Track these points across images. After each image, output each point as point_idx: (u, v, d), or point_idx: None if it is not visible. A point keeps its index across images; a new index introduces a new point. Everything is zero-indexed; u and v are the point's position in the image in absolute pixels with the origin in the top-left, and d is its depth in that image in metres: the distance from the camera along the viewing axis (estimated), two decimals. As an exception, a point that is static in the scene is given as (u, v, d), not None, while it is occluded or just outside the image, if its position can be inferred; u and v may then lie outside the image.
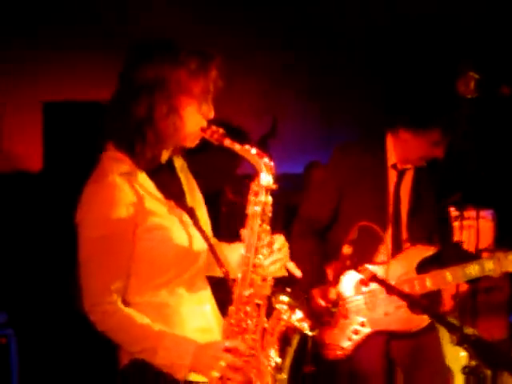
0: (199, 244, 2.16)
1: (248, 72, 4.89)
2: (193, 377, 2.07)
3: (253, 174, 2.07)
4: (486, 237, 5.50)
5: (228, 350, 2.01)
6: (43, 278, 4.23)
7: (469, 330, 1.83)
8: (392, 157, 3.11)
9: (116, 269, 2.05)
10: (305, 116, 5.08)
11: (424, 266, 3.01)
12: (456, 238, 4.70)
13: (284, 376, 2.10)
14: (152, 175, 2.09)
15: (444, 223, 3.35)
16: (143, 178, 2.08)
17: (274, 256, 2.11)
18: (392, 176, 3.12)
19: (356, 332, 2.85)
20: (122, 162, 2.05)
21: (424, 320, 2.94)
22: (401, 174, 3.11)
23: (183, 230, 2.11)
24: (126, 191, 2.02)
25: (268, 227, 2.07)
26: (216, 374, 2.00)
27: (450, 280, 2.94)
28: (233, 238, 2.25)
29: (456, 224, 4.67)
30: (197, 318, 2.16)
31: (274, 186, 2.04)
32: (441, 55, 4.29)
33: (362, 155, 3.07)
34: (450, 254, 3.00)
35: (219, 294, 2.23)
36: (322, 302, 2.18)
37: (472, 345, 1.77)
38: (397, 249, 3.06)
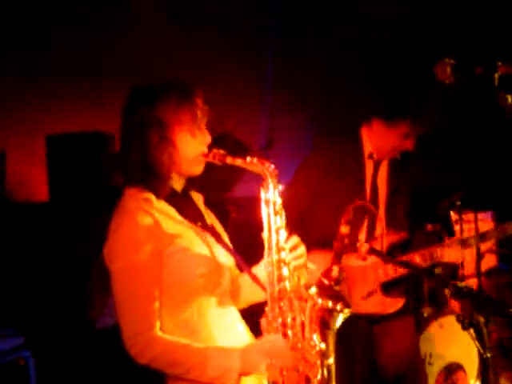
0: (225, 259, 2.30)
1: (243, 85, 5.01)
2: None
3: (254, 197, 2.25)
4: (488, 238, 5.59)
5: (273, 344, 2.12)
6: (57, 300, 4.33)
7: (461, 284, 1.94)
8: (368, 147, 3.25)
9: (150, 295, 2.14)
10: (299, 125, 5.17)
11: (393, 251, 3.15)
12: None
13: (331, 361, 2.19)
14: (171, 202, 2.26)
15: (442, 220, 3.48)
16: (162, 205, 2.24)
17: (296, 252, 2.24)
18: (369, 166, 3.26)
19: None
20: (139, 194, 2.22)
21: (398, 302, 3.08)
22: (377, 165, 3.25)
23: (207, 249, 2.25)
24: (145, 217, 2.16)
25: (284, 224, 2.21)
26: (265, 369, 2.09)
27: (419, 261, 3.07)
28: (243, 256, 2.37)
29: (457, 228, 4.83)
30: (230, 337, 2.25)
31: (281, 187, 2.21)
32: (413, 47, 4.42)
33: (339, 146, 3.20)
34: (418, 241, 3.12)
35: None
36: (325, 281, 2.30)
37: (466, 296, 1.89)
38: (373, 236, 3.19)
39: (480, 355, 4.33)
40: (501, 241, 5.63)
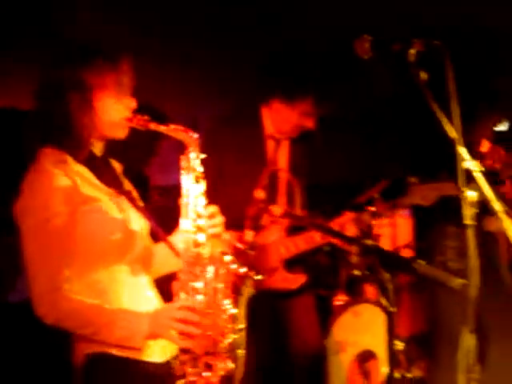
0: (138, 225, 2.29)
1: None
2: (151, 357, 2.19)
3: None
4: (406, 233, 5.74)
5: (182, 309, 2.12)
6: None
7: (368, 241, 2.00)
8: (269, 127, 3.29)
9: (60, 254, 2.12)
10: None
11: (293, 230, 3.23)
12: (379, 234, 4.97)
13: (242, 325, 2.21)
14: (88, 166, 2.24)
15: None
16: (79, 167, 2.22)
17: (213, 220, 2.26)
18: (270, 146, 3.30)
19: None
20: (56, 154, 2.19)
21: (300, 279, 3.16)
22: (277, 144, 3.30)
23: (122, 214, 2.24)
24: (62, 178, 2.14)
25: (203, 193, 2.23)
26: (174, 333, 2.09)
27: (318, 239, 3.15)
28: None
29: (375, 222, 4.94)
30: (140, 303, 2.23)
31: (204, 155, 2.23)
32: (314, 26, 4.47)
33: (239, 127, 3.21)
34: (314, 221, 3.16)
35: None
36: (239, 245, 2.33)
37: (373, 252, 1.95)
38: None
39: (390, 344, 4.45)
40: (418, 235, 5.80)
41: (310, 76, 3.18)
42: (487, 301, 3.62)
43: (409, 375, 4.88)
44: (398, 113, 3.92)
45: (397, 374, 4.54)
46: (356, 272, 4.55)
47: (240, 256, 2.15)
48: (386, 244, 5.06)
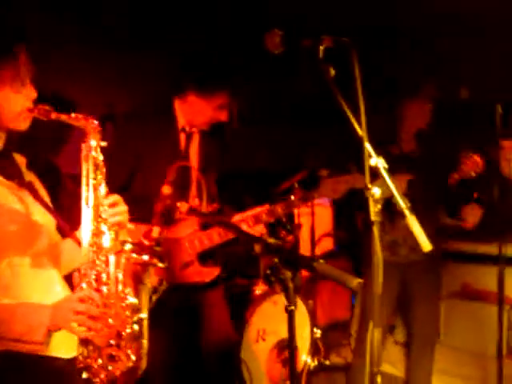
0: (42, 218, 2.23)
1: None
2: (57, 352, 2.14)
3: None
4: (326, 222, 5.83)
5: (82, 300, 2.08)
6: None
7: (270, 239, 2.01)
8: (181, 120, 3.27)
9: None
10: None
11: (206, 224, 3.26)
12: (296, 223, 5.03)
13: (144, 315, 2.19)
14: None
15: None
16: None
17: (115, 209, 2.22)
18: (182, 139, 3.29)
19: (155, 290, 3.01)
20: None
21: (214, 271, 3.18)
22: (188, 137, 3.29)
23: (22, 206, 2.18)
24: None
25: (103, 181, 2.20)
26: (75, 325, 2.05)
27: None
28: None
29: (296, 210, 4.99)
30: (47, 297, 2.18)
31: (104, 144, 2.20)
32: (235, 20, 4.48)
33: (152, 121, 3.17)
34: (227, 214, 3.19)
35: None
36: (146, 241, 2.31)
37: (275, 251, 1.97)
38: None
39: (312, 332, 4.52)
40: (338, 224, 5.91)
41: (226, 69, 3.17)
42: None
43: (327, 362, 5.00)
44: (321, 107, 3.95)
45: (315, 362, 4.65)
46: (275, 261, 4.59)
47: (146, 251, 2.12)
48: (306, 233, 5.13)
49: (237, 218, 3.25)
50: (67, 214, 2.27)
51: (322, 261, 1.99)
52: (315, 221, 5.23)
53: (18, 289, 2.14)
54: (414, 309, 4.05)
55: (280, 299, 4.20)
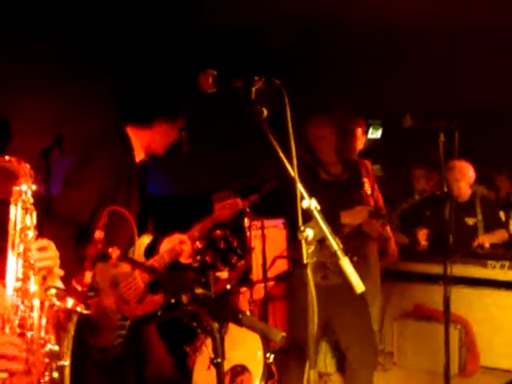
0: None
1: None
2: None
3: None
4: (281, 243, 5.82)
5: (2, 345, 2.04)
6: None
7: (198, 290, 2.00)
8: (139, 150, 3.29)
9: None
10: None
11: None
12: (252, 245, 5.03)
13: (66, 362, 2.13)
14: None
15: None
16: None
17: (43, 253, 2.19)
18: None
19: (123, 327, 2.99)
20: None
21: (159, 299, 3.20)
22: (142, 167, 3.33)
23: None
24: None
25: (33, 225, 2.18)
26: None
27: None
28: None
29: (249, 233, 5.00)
30: None
31: (35, 187, 2.19)
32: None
33: (115, 151, 3.16)
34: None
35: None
36: (78, 287, 2.28)
37: (201, 302, 1.96)
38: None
39: (265, 357, 4.51)
40: (293, 244, 5.92)
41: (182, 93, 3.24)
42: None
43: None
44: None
45: (269, 386, 4.64)
46: (228, 287, 4.58)
47: (79, 297, 2.09)
48: (259, 256, 5.13)
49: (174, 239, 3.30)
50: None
51: (248, 314, 1.98)
52: (269, 243, 5.24)
53: None
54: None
55: (231, 325, 4.19)
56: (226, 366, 4.15)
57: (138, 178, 3.24)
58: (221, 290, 4.47)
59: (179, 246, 3.35)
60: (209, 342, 4.04)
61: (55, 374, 2.09)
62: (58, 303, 2.06)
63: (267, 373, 4.55)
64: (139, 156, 3.28)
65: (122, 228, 2.90)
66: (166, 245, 3.34)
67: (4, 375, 2.04)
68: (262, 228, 5.15)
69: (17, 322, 2.11)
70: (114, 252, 2.15)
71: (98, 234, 2.20)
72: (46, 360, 2.09)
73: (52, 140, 3.99)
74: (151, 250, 3.34)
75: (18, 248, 2.14)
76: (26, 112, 4.51)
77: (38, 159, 2.14)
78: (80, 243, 2.86)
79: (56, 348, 2.10)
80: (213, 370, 4.03)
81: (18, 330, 2.10)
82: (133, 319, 2.98)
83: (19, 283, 2.12)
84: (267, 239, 5.23)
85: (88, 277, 2.16)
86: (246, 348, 4.38)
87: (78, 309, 2.05)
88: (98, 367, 2.85)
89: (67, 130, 4.08)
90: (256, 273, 5.17)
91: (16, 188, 2.18)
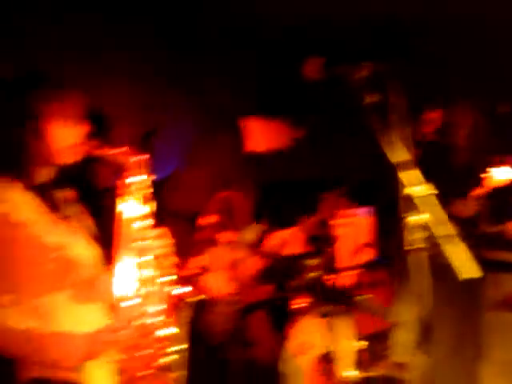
0: (83, 251, 2.28)
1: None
2: (91, 381, 2.17)
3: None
4: (366, 233, 5.79)
5: (118, 331, 2.12)
6: None
7: (311, 274, 2.01)
8: (252, 143, 3.29)
9: (2, 279, 2.11)
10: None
11: None
12: (339, 234, 5.02)
13: (183, 346, 2.21)
14: (35, 192, 2.23)
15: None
16: (21, 194, 2.19)
17: (159, 242, 2.27)
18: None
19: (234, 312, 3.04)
20: (2, 181, 2.18)
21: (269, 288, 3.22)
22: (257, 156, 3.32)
23: (62, 239, 2.22)
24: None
25: (150, 213, 2.25)
26: (110, 356, 2.11)
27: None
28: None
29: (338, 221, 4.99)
30: (83, 329, 2.19)
31: (150, 177, 2.27)
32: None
33: (230, 139, 3.17)
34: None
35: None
36: (193, 270, 2.34)
37: (312, 287, 1.98)
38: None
39: (356, 345, 4.50)
40: (380, 234, 5.87)
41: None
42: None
43: (371, 374, 4.97)
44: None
45: (359, 374, 4.62)
46: (314, 274, 4.59)
47: (191, 280, 2.15)
48: (346, 244, 5.11)
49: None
50: (109, 240, 2.32)
51: (363, 295, 1.99)
52: (355, 231, 5.22)
53: (58, 322, 2.18)
54: None
55: (322, 311, 4.20)
56: (315, 353, 4.16)
57: (254, 166, 3.25)
58: (311, 278, 4.49)
59: (286, 239, 3.35)
60: (304, 326, 4.12)
61: (173, 358, 2.16)
62: (174, 289, 2.12)
63: (359, 361, 4.55)
64: (256, 146, 3.29)
65: (237, 213, 2.93)
66: (275, 238, 3.34)
67: (116, 359, 2.12)
68: (349, 216, 5.13)
69: (131, 308, 2.18)
70: (230, 236, 2.19)
71: (213, 219, 2.24)
72: (164, 344, 2.15)
73: (146, 127, 4.08)
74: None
75: (134, 236, 2.21)
76: (121, 99, 4.61)
77: (138, 145, 2.20)
78: (195, 227, 2.91)
79: (174, 331, 2.16)
80: (307, 355, 4.09)
81: (133, 315, 2.17)
82: (244, 305, 3.02)
83: (135, 270, 2.19)
84: (353, 227, 5.21)
85: (203, 260, 2.20)
86: (335, 334, 4.38)
87: (194, 294, 2.10)
88: (207, 350, 2.90)
89: (163, 118, 4.15)
90: (342, 262, 5.16)
91: (132, 177, 2.25)
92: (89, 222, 2.39)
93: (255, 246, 3.21)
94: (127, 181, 2.24)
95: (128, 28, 4.79)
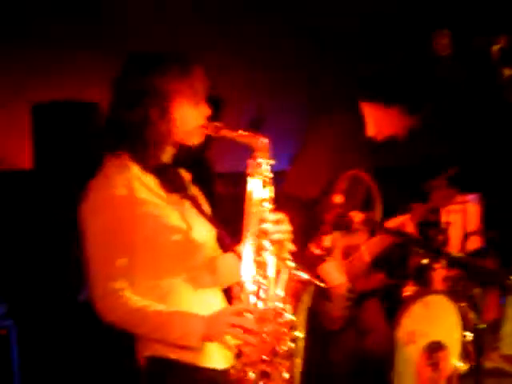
0: (203, 232, 2.28)
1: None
2: (210, 363, 2.19)
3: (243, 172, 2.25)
4: (474, 220, 5.63)
5: (239, 314, 2.10)
6: (42, 269, 4.30)
7: (455, 254, 1.93)
8: (371, 127, 3.22)
9: (120, 256, 2.14)
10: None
11: None
12: (444, 221, 4.90)
13: (301, 334, 2.16)
14: (154, 173, 2.24)
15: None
16: (144, 174, 2.22)
17: (279, 226, 2.22)
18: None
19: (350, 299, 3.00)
20: (121, 161, 2.21)
21: (380, 277, 3.15)
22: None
23: (183, 220, 2.22)
24: (121, 187, 2.15)
25: (270, 198, 2.22)
26: (230, 339, 2.09)
27: None
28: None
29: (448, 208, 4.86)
30: (203, 312, 2.19)
31: (272, 161, 2.23)
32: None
33: (347, 124, 3.12)
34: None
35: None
36: (316, 251, 2.28)
37: (461, 266, 1.89)
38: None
39: (463, 335, 4.37)
40: (487, 222, 5.69)
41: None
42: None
43: (479, 366, 4.82)
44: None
45: (466, 366, 4.49)
46: (424, 261, 4.48)
47: (313, 261, 2.10)
48: (455, 232, 4.96)
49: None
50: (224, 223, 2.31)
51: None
52: (462, 218, 5.06)
53: (175, 304, 2.19)
54: None
55: (431, 300, 4.10)
56: (423, 342, 4.07)
57: (370, 152, 3.19)
58: (417, 265, 4.39)
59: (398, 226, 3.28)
60: (414, 314, 4.04)
61: (291, 345, 2.12)
62: (296, 274, 2.08)
63: (464, 352, 4.42)
64: (372, 132, 3.23)
65: (362, 193, 2.89)
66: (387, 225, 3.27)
67: (235, 343, 2.09)
68: (459, 203, 4.98)
69: (252, 292, 2.15)
70: (357, 216, 2.13)
71: (338, 199, 2.19)
72: (284, 330, 2.11)
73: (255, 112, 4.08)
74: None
75: (256, 220, 2.19)
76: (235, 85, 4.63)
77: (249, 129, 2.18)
78: (319, 208, 2.87)
79: (293, 318, 2.12)
80: (411, 346, 4.01)
81: (253, 300, 2.14)
82: (358, 293, 2.98)
83: (255, 254, 2.16)
84: (460, 214, 5.06)
85: (326, 241, 2.16)
86: (444, 324, 4.27)
87: (314, 281, 2.06)
88: (320, 336, 2.87)
89: (271, 104, 4.14)
90: (451, 249, 5.01)
91: (253, 161, 2.22)
92: (206, 204, 2.38)
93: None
94: (257, 161, 2.21)
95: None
